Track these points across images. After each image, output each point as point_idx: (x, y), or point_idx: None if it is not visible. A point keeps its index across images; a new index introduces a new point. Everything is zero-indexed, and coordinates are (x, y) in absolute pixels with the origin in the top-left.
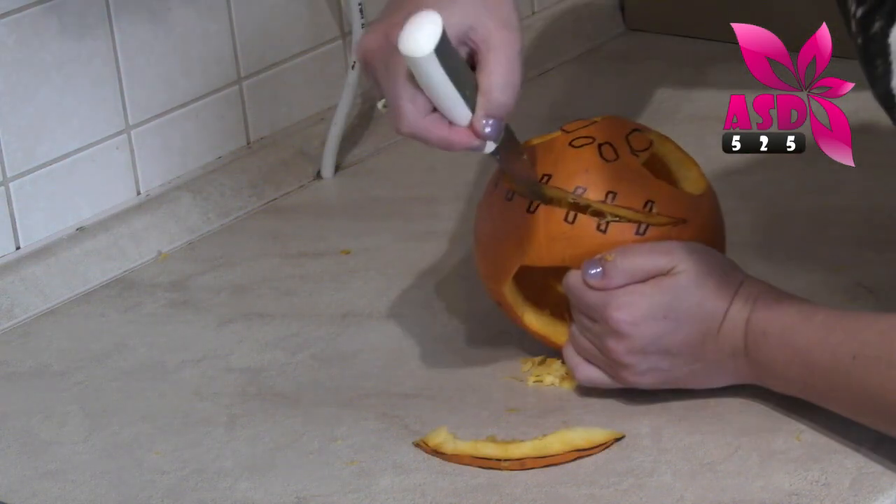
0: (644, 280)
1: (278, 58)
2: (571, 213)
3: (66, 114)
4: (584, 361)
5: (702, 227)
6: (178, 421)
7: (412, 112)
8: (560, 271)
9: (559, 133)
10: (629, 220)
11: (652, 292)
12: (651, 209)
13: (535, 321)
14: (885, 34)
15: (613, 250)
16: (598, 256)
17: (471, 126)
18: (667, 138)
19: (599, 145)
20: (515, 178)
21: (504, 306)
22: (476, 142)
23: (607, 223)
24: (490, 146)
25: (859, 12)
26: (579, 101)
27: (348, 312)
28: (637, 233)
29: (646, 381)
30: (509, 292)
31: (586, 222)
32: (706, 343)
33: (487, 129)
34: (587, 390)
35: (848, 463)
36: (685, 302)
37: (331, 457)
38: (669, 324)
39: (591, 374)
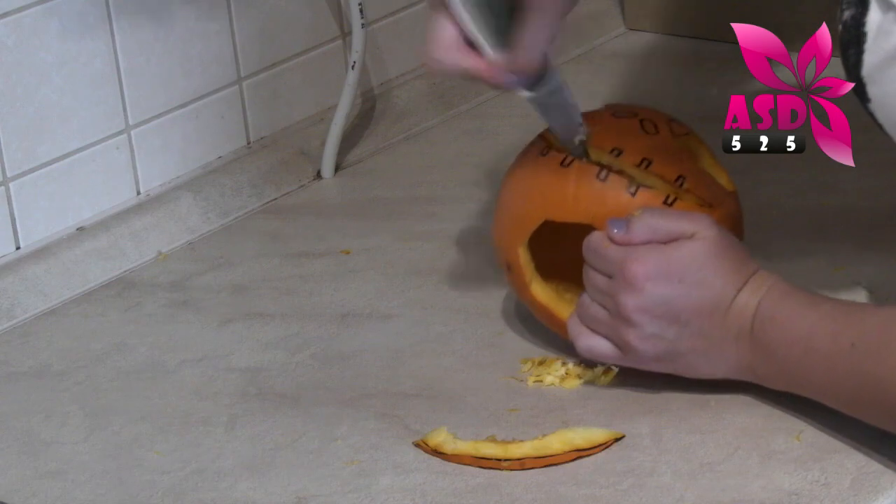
0: (666, 241)
1: (278, 58)
2: (604, 172)
3: (66, 114)
4: (587, 330)
5: (726, 217)
6: (178, 421)
7: (440, 40)
8: (571, 245)
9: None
10: (659, 190)
11: (671, 252)
12: (682, 185)
13: (541, 291)
14: (858, 24)
15: (640, 209)
16: (625, 216)
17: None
18: (701, 142)
19: (641, 120)
20: (553, 130)
21: (514, 270)
22: (501, 79)
23: (637, 187)
24: (523, 91)
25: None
26: (579, 101)
27: (348, 312)
28: (665, 202)
29: (647, 347)
30: (524, 254)
31: (618, 182)
32: (714, 317)
33: (506, 80)
34: (587, 390)
35: (848, 463)
36: (702, 269)
37: (331, 457)
38: (683, 287)
39: (593, 342)
